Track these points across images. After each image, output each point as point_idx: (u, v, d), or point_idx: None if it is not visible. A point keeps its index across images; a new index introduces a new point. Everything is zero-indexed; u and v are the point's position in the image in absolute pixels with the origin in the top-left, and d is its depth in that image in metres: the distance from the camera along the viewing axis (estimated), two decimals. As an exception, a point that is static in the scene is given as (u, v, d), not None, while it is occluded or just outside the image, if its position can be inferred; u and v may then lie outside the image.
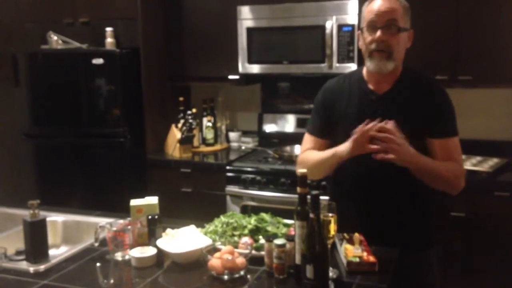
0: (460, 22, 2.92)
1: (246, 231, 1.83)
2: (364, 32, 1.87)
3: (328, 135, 2.02)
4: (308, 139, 2.08)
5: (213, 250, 1.73)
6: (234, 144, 3.75)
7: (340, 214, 1.66)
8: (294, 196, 2.91)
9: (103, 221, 1.98)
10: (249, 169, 3.21)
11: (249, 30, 3.32)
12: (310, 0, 3.16)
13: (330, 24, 3.08)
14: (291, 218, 1.90)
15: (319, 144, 2.03)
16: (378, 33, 1.81)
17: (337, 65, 3.10)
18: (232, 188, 3.21)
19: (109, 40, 3.48)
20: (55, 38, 3.54)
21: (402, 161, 1.73)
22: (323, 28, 3.11)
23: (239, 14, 3.32)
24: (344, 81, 2.02)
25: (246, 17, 3.31)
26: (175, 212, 2.27)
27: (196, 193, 3.34)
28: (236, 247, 1.74)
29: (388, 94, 1.91)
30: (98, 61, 3.36)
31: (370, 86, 1.94)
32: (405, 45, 1.89)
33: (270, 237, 1.66)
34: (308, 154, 2.03)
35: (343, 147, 1.82)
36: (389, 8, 1.82)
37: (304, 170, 1.58)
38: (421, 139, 1.87)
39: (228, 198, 3.22)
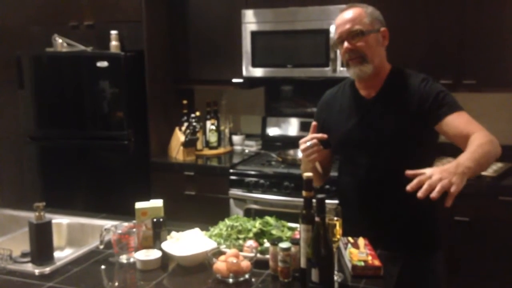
0: (465, 26, 2.92)
1: (251, 235, 1.84)
2: (338, 47, 1.95)
3: (326, 145, 2.03)
4: None
5: (218, 253, 1.73)
6: (237, 148, 3.75)
7: (344, 218, 1.66)
8: (297, 200, 2.96)
9: (107, 223, 1.98)
10: (252, 172, 3.21)
11: (253, 34, 3.32)
12: (314, 4, 3.17)
13: (334, 28, 3.08)
14: (294, 221, 1.92)
15: (321, 154, 2.04)
16: (345, 44, 1.89)
17: (341, 69, 3.10)
18: (235, 191, 3.21)
19: (114, 43, 3.49)
20: (60, 41, 3.54)
21: (462, 182, 1.56)
22: (327, 32, 3.11)
23: (243, 17, 3.33)
24: (338, 90, 2.10)
25: (251, 20, 3.32)
26: (178, 215, 2.27)
27: (199, 196, 3.34)
28: (241, 250, 1.74)
29: (376, 98, 1.94)
30: (103, 64, 3.37)
31: (361, 92, 1.99)
32: (379, 45, 1.92)
33: (275, 241, 1.66)
34: (302, 165, 2.12)
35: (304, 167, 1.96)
36: (349, 18, 1.90)
37: (310, 174, 1.58)
38: (421, 133, 1.87)
39: (231, 201, 3.23)
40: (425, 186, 1.52)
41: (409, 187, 1.55)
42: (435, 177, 1.52)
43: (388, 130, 1.88)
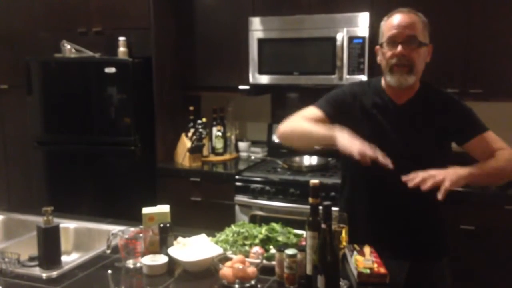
0: (471, 35, 2.93)
1: (257, 241, 1.84)
2: (384, 47, 1.87)
3: (334, 120, 1.93)
4: (312, 110, 2.00)
5: (224, 259, 1.74)
6: (243, 154, 3.76)
7: (351, 226, 1.67)
8: (302, 207, 2.97)
9: (114, 228, 1.99)
10: (258, 179, 3.22)
11: (260, 41, 3.34)
12: (321, 12, 3.19)
13: (341, 36, 3.10)
14: (299, 228, 1.92)
15: (321, 120, 1.94)
16: (399, 48, 1.81)
17: (348, 76, 3.12)
18: (241, 198, 3.22)
19: (122, 49, 3.51)
20: (69, 47, 3.58)
21: (457, 184, 1.66)
22: (333, 40, 3.13)
23: (250, 25, 3.35)
24: (369, 88, 1.99)
25: (257, 28, 3.34)
26: (184, 221, 2.28)
27: (205, 202, 3.35)
28: (247, 256, 1.75)
29: (406, 105, 1.92)
30: (111, 70, 3.39)
31: (390, 96, 1.95)
32: (424, 60, 1.90)
33: (281, 247, 1.67)
34: (301, 120, 1.95)
35: (341, 140, 1.72)
36: (409, 23, 1.82)
37: (317, 181, 1.59)
38: (443, 146, 1.91)
39: (237, 207, 3.23)
40: (418, 178, 1.63)
41: (404, 178, 1.64)
42: (431, 173, 1.63)
43: (414, 139, 1.88)
